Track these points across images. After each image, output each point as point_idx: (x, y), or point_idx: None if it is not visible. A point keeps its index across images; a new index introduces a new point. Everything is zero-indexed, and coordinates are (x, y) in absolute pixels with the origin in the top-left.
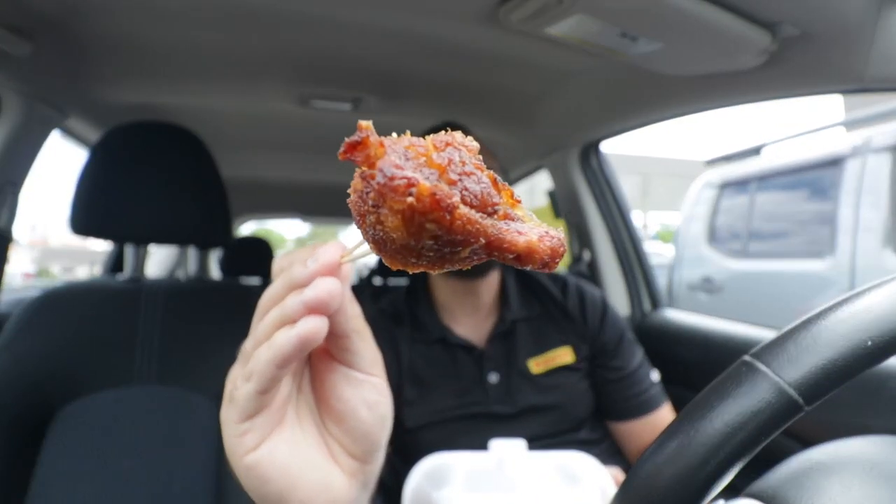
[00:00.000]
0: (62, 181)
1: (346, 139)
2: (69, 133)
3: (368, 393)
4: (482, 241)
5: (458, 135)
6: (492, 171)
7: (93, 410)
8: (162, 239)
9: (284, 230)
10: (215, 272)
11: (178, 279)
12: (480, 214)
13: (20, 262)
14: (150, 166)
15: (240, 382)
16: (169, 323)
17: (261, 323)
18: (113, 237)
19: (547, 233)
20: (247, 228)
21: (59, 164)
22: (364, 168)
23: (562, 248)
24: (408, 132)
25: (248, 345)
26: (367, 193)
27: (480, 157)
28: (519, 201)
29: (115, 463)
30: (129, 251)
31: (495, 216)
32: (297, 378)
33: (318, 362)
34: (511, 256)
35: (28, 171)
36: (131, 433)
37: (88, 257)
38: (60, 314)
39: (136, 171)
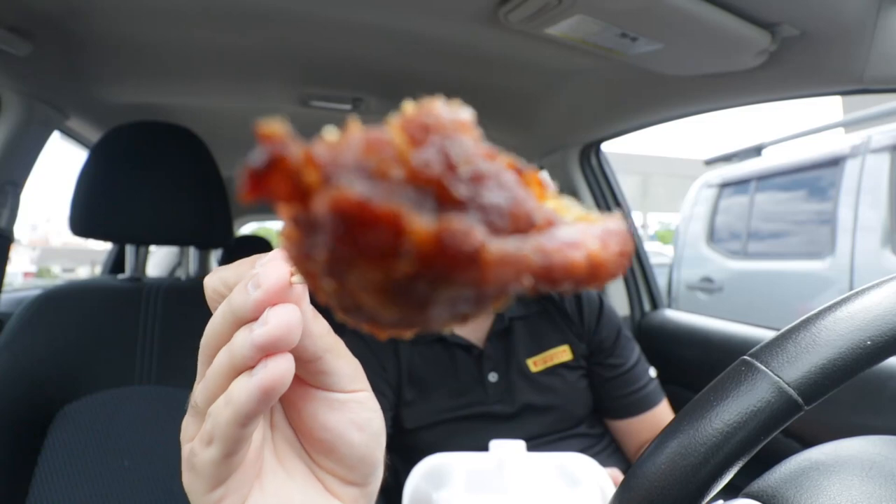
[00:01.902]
0: (63, 181)
1: (247, 164)
2: (69, 133)
3: (356, 412)
4: (525, 281)
5: (436, 106)
6: (507, 155)
7: (93, 410)
8: (162, 240)
9: None
10: None
11: (179, 279)
12: (517, 238)
13: (21, 262)
14: (150, 166)
15: (198, 446)
16: (169, 323)
17: (210, 369)
18: (113, 238)
19: (606, 229)
20: (247, 229)
21: (60, 164)
22: (296, 208)
23: (630, 245)
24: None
25: (197, 396)
26: (314, 248)
27: (480, 130)
28: (546, 188)
29: (115, 463)
30: (129, 251)
31: (533, 230)
32: (268, 414)
33: (290, 392)
34: (569, 284)
35: (29, 171)
36: (131, 433)
37: (89, 257)
38: (61, 314)
39: (136, 172)
